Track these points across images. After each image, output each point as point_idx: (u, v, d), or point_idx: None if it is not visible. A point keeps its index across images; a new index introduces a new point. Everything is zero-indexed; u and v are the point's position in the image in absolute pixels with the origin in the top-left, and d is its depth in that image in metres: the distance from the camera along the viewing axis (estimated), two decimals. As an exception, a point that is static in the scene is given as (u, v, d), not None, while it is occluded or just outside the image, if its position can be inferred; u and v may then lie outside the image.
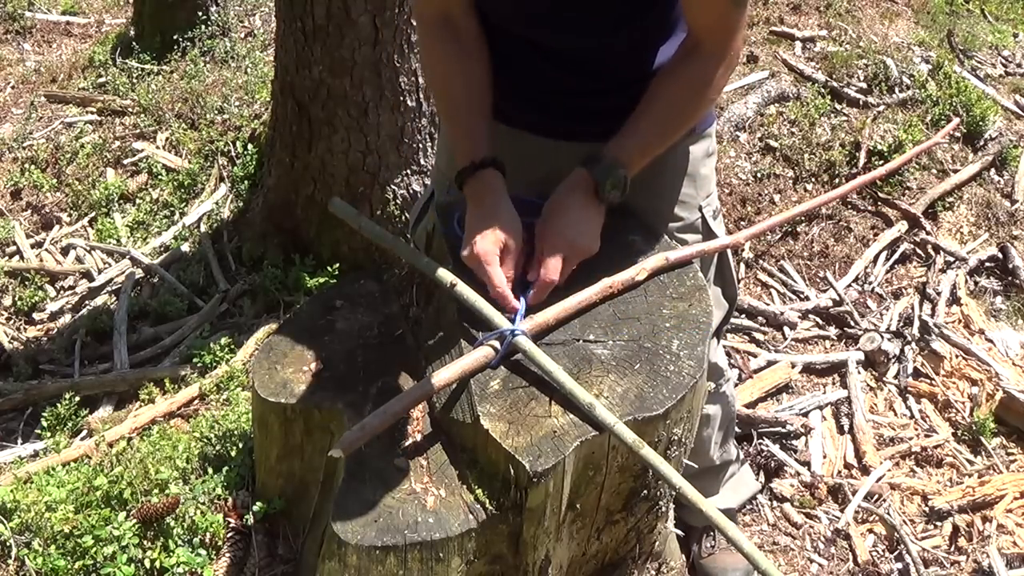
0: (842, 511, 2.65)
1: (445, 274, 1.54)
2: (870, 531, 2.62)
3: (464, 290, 1.51)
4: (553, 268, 1.50)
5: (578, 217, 1.55)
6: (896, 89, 4.07)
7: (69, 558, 1.67)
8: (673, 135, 1.64)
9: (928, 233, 3.58)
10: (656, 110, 1.60)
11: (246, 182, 3.78)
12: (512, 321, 1.46)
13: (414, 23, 3.02)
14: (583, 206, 1.57)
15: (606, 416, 1.35)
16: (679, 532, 2.15)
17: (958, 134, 3.91)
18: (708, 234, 1.85)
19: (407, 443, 1.43)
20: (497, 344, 1.44)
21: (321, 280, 3.19)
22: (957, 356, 3.08)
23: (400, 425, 1.45)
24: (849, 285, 3.42)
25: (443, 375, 1.41)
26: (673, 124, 1.63)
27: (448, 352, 1.51)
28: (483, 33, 1.68)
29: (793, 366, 3.07)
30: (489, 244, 1.50)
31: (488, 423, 1.36)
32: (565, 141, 1.76)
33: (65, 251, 3.80)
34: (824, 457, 2.82)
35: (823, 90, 4.01)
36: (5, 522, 1.75)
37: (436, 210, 1.71)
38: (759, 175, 3.69)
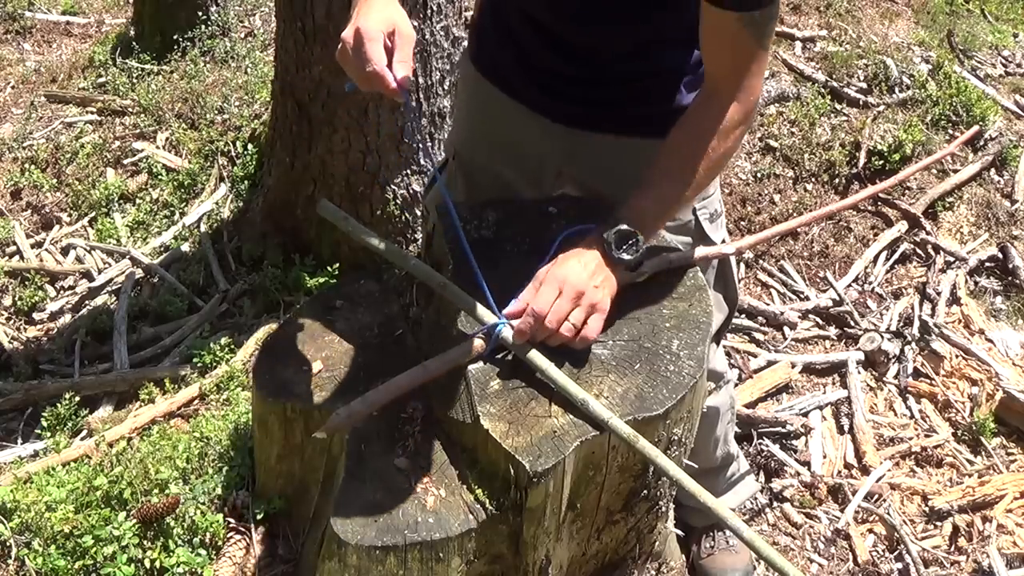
0: (842, 511, 2.65)
1: (434, 275, 1.54)
2: (870, 531, 2.62)
3: (454, 291, 1.51)
4: (543, 297, 1.43)
5: (577, 263, 1.47)
6: (896, 89, 4.08)
7: (69, 558, 1.67)
8: (694, 188, 1.57)
9: (928, 233, 3.58)
10: (673, 166, 1.55)
11: (246, 182, 3.78)
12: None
13: (414, 23, 3.02)
14: (584, 255, 1.49)
15: (600, 411, 1.35)
16: (679, 532, 2.15)
17: (958, 134, 3.91)
18: (701, 237, 1.84)
19: (407, 443, 1.43)
20: (486, 336, 1.44)
21: (321, 280, 3.19)
22: (957, 356, 3.08)
23: (400, 425, 1.45)
24: (849, 285, 3.42)
25: (432, 365, 1.41)
26: (691, 177, 1.55)
27: (447, 351, 1.51)
28: None
29: (793, 366, 3.07)
30: (372, 23, 1.35)
31: (488, 423, 1.36)
32: (564, 125, 1.76)
33: (65, 251, 3.79)
34: (824, 457, 2.82)
35: (823, 90, 4.01)
36: (5, 522, 1.75)
37: (437, 211, 1.71)
38: (759, 175, 3.69)
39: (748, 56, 1.51)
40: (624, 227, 1.49)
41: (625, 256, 1.48)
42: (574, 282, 1.44)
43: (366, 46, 1.33)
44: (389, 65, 1.35)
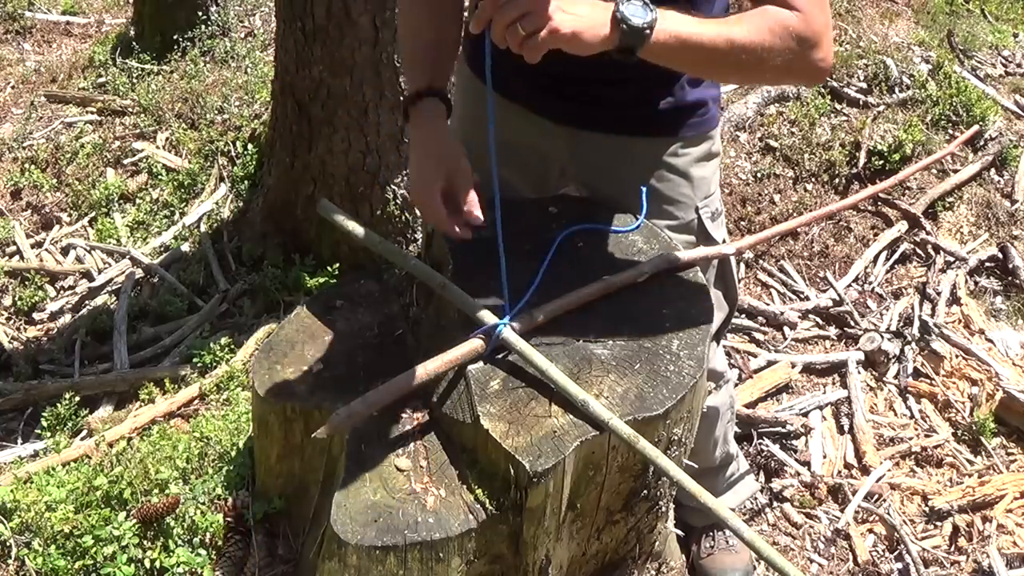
0: (842, 511, 2.65)
1: (433, 275, 1.54)
2: (870, 531, 2.62)
3: (454, 290, 1.51)
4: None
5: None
6: (896, 89, 4.08)
7: (69, 558, 1.67)
8: (722, 48, 1.39)
9: (928, 233, 3.58)
10: (717, 21, 1.43)
11: (246, 182, 3.78)
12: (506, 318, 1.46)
13: None
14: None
15: (600, 411, 1.35)
16: (679, 532, 2.15)
17: (958, 134, 3.91)
18: (704, 236, 1.84)
19: (407, 443, 1.43)
20: (486, 337, 1.44)
21: (321, 280, 3.19)
22: (957, 356, 3.08)
23: (400, 425, 1.45)
24: (849, 285, 3.42)
25: (431, 365, 1.41)
26: (726, 38, 1.39)
27: (447, 351, 1.51)
28: None
29: (793, 366, 3.07)
30: (425, 185, 1.50)
31: (488, 423, 1.36)
32: (565, 125, 1.76)
33: (65, 251, 3.80)
34: (824, 457, 2.82)
35: (823, 90, 4.01)
36: (5, 522, 1.75)
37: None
38: (759, 175, 3.69)
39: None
40: (651, 23, 1.34)
41: (631, 18, 1.33)
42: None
43: (424, 213, 1.48)
44: (456, 212, 1.48)
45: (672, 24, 1.37)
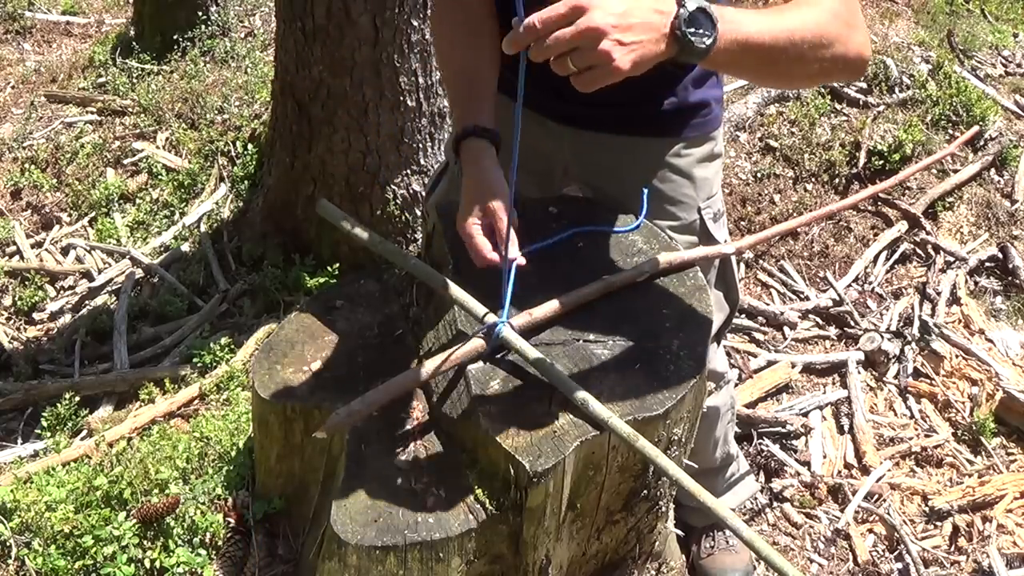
0: (842, 511, 2.65)
1: (435, 275, 1.54)
2: (870, 531, 2.62)
3: (455, 291, 1.51)
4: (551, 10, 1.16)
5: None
6: (896, 89, 4.08)
7: (69, 558, 1.67)
8: (782, 44, 1.31)
9: (928, 233, 3.58)
10: (782, 20, 1.33)
11: (246, 182, 3.78)
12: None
13: (414, 23, 3.02)
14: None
15: (600, 411, 1.35)
16: (679, 532, 2.15)
17: (958, 134, 3.91)
18: (706, 237, 1.84)
19: (407, 443, 1.43)
20: (486, 336, 1.44)
21: (321, 280, 3.19)
22: (957, 356, 3.08)
23: (400, 425, 1.45)
24: (849, 285, 3.42)
25: (431, 364, 1.41)
26: (786, 31, 1.31)
27: (447, 351, 1.51)
28: (493, 11, 1.66)
29: (793, 366, 3.07)
30: (468, 220, 1.49)
31: (488, 423, 1.36)
32: (568, 126, 1.76)
33: (65, 251, 3.80)
34: (824, 457, 2.82)
35: (823, 90, 4.01)
36: (5, 522, 1.75)
37: (436, 210, 1.71)
38: (759, 175, 3.69)
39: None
40: (707, 4, 1.22)
41: (692, 36, 1.21)
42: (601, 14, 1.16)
43: (467, 246, 1.47)
44: (498, 245, 1.46)
45: (733, 28, 1.25)
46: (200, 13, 4.64)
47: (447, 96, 1.83)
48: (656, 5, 1.20)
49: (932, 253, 3.53)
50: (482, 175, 1.54)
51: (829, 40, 1.35)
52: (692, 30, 1.21)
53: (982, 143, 3.93)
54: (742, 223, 3.54)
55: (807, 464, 2.79)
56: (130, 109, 4.31)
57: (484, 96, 1.62)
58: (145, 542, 1.67)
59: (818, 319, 3.30)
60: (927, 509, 2.65)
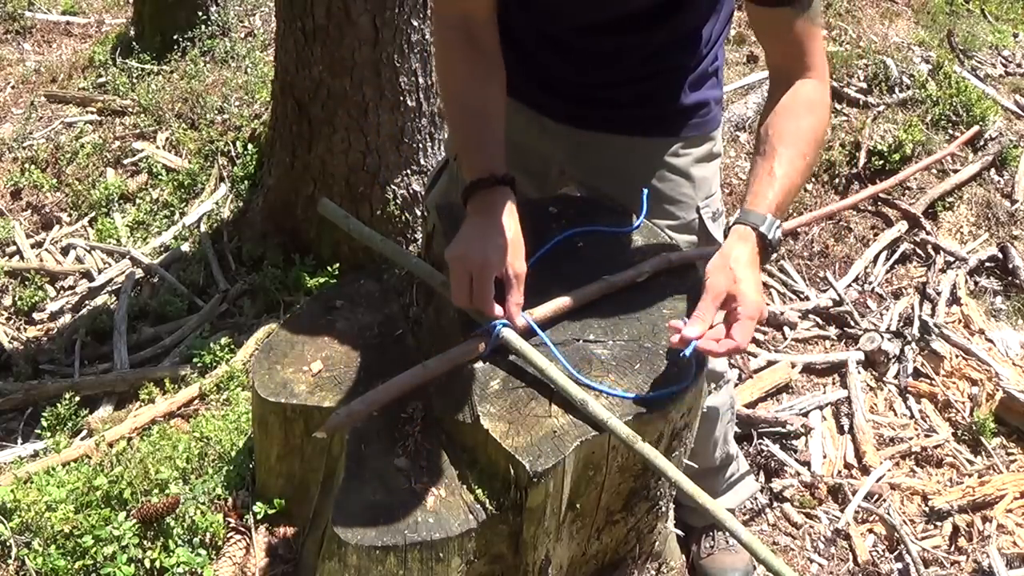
0: (842, 511, 2.65)
1: (435, 274, 1.54)
2: (870, 531, 2.62)
3: None
4: (745, 334, 1.38)
5: (756, 279, 1.43)
6: (896, 89, 4.08)
7: (69, 558, 1.67)
8: (806, 168, 1.54)
9: (928, 233, 3.58)
10: (778, 152, 1.51)
11: (246, 182, 3.78)
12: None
13: (414, 23, 3.02)
14: (751, 260, 1.45)
15: (600, 411, 1.35)
16: (679, 532, 2.15)
17: (958, 134, 3.91)
18: (705, 236, 1.84)
19: (407, 443, 1.43)
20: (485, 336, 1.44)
21: (321, 280, 3.19)
22: (957, 356, 3.08)
23: (400, 425, 1.45)
24: (849, 285, 3.42)
25: (431, 365, 1.41)
26: (800, 156, 1.52)
27: (447, 351, 1.51)
28: (499, 44, 1.63)
29: (793, 366, 3.07)
30: (490, 261, 1.43)
31: (488, 423, 1.36)
32: (566, 125, 1.76)
33: (65, 251, 3.80)
34: (824, 457, 2.82)
35: (823, 90, 4.01)
36: (5, 522, 1.75)
37: (436, 211, 1.71)
38: (759, 175, 3.68)
39: (813, 39, 1.55)
40: (778, 224, 1.48)
41: (773, 245, 1.47)
42: (763, 309, 1.42)
43: (475, 297, 1.43)
44: (503, 298, 1.44)
45: (780, 213, 1.49)
46: (200, 13, 4.64)
47: (454, 136, 1.77)
48: (754, 267, 1.44)
49: (932, 253, 3.53)
50: (498, 226, 1.48)
51: (825, 132, 1.60)
52: (775, 247, 1.48)
53: (982, 143, 3.93)
54: (742, 223, 3.53)
55: (807, 464, 2.79)
56: (130, 109, 4.31)
57: (498, 139, 1.58)
58: (145, 542, 1.67)
59: (818, 319, 3.30)
60: (927, 509, 2.65)
